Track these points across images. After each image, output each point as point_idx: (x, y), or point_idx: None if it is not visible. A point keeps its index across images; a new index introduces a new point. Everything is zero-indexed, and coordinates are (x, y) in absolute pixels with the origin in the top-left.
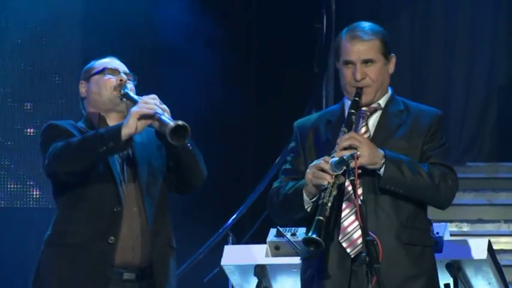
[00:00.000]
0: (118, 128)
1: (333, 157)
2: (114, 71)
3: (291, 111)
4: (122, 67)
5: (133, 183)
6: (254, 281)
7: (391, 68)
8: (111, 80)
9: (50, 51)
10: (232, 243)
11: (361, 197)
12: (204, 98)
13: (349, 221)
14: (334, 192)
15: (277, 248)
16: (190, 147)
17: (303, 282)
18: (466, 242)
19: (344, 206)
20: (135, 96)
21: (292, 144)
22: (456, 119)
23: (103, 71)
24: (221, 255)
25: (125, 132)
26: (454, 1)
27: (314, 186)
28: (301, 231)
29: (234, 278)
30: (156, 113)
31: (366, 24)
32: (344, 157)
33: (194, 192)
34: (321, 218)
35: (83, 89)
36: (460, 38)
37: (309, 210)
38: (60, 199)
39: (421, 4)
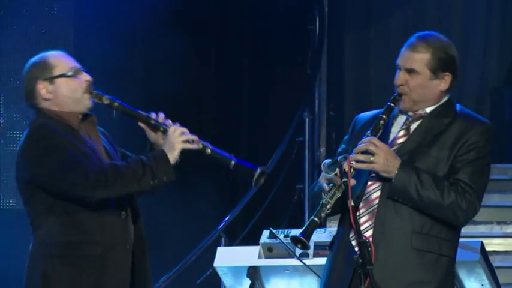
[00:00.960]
0: (167, 160)
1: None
2: (78, 71)
3: (283, 113)
4: (78, 64)
5: None
6: (247, 282)
7: (443, 86)
8: (80, 82)
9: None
10: (225, 245)
11: (378, 200)
12: (197, 100)
13: (361, 221)
14: (338, 194)
15: (270, 249)
16: None
17: (323, 271)
18: (458, 243)
19: (361, 204)
20: (151, 116)
21: (346, 136)
22: None
23: (70, 73)
24: (214, 257)
25: (172, 163)
26: (446, 2)
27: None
28: (294, 233)
29: (227, 280)
30: (208, 146)
31: (429, 36)
32: (337, 159)
33: (187, 194)
34: (315, 219)
35: (43, 90)
36: (452, 39)
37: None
38: (52, 207)
39: (414, 5)
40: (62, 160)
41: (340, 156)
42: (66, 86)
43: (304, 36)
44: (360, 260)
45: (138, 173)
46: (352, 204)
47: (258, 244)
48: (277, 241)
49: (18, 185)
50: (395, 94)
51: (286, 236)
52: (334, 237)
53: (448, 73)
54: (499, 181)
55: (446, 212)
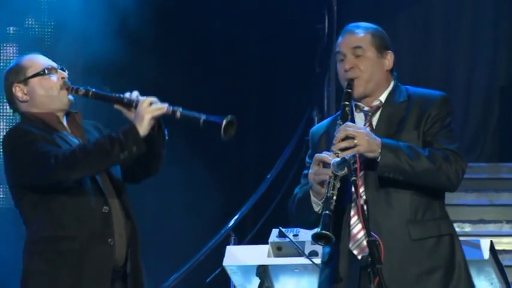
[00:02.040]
0: (135, 131)
1: (336, 155)
2: (52, 70)
3: (292, 111)
4: (54, 63)
5: (108, 181)
6: (256, 281)
7: (388, 64)
8: (54, 80)
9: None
10: (234, 244)
11: (364, 197)
12: (205, 98)
13: (358, 229)
14: (338, 185)
15: (279, 248)
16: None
17: (318, 285)
18: (468, 242)
19: (352, 212)
20: (114, 95)
21: (310, 151)
22: (458, 120)
23: (43, 72)
24: (223, 256)
25: (142, 134)
26: (454, 2)
27: (318, 184)
28: (302, 232)
29: (236, 279)
30: (178, 110)
31: (360, 23)
32: (346, 157)
33: (197, 193)
34: (327, 212)
35: (19, 92)
36: (460, 39)
37: (319, 212)
38: (37, 204)
39: (422, 4)
40: (32, 152)
41: (348, 155)
42: (40, 85)
43: (313, 35)
44: (369, 259)
45: (105, 147)
46: (362, 203)
47: (267, 243)
48: (287, 240)
49: (8, 187)
50: (347, 83)
51: (295, 235)
52: (330, 251)
53: (389, 51)
54: (508, 180)
55: (439, 176)
